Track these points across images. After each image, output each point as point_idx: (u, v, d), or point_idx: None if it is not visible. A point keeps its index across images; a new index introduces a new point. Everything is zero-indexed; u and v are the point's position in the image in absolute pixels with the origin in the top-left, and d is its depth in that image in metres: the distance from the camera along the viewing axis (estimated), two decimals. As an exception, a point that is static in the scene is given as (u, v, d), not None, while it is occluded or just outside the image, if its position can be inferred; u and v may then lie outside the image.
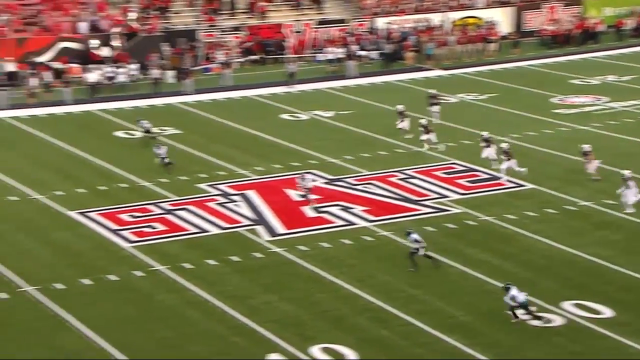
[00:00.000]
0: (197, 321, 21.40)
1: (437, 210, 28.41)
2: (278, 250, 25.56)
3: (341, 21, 51.06)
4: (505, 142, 31.93)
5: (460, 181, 30.82)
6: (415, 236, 24.14)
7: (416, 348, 20.39)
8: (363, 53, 48.23)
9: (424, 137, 33.67)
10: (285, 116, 39.39)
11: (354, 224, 27.36)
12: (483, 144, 32.02)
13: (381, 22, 51.46)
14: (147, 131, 33.76)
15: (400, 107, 35.80)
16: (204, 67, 46.03)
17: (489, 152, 31.81)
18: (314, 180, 28.19)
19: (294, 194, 29.41)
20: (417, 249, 23.99)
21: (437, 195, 29.63)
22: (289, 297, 22.68)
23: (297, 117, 39.32)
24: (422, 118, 34.60)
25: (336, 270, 24.12)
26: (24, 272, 23.48)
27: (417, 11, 52.88)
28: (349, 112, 39.39)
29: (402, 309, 21.94)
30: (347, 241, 26.00)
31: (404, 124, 35.01)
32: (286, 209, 28.19)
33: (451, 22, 52.59)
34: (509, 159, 30.55)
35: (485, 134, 32.49)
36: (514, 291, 21.14)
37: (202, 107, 40.53)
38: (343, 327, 21.21)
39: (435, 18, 52.43)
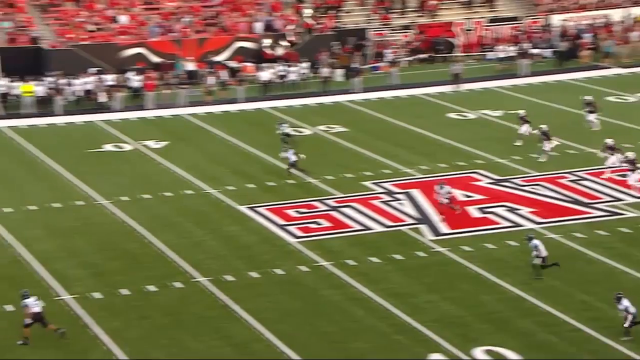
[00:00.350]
0: (360, 318, 21.65)
1: (610, 214, 27.34)
2: (441, 250, 25.41)
3: (514, 19, 49.97)
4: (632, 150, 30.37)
5: (638, 184, 29.46)
6: (536, 242, 23.36)
7: (585, 355, 19.79)
8: (536, 51, 47.05)
9: (545, 145, 32.45)
10: (452, 115, 39.04)
11: (520, 225, 26.79)
12: (607, 152, 30.59)
13: (556, 19, 49.94)
14: (287, 135, 34.00)
15: (521, 112, 34.91)
16: (372, 66, 46.37)
17: (613, 160, 30.33)
18: (450, 192, 27.70)
19: (458, 194, 29.14)
20: (541, 258, 23.20)
21: (610, 198, 28.50)
22: (451, 297, 22.53)
23: (465, 116, 38.89)
24: (543, 124, 33.34)
25: (501, 272, 23.73)
26: (197, 263, 24.52)
27: (597, 7, 50.91)
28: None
29: (570, 314, 21.33)
30: (512, 243, 25.50)
31: (525, 129, 33.95)
32: (450, 208, 27.94)
33: (633, 18, 50.27)
34: (634, 170, 28.97)
35: (609, 141, 31.02)
36: (626, 302, 20.10)
37: (369, 105, 40.87)
38: (507, 329, 20.86)
39: (616, 14, 50.28)
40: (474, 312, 21.76)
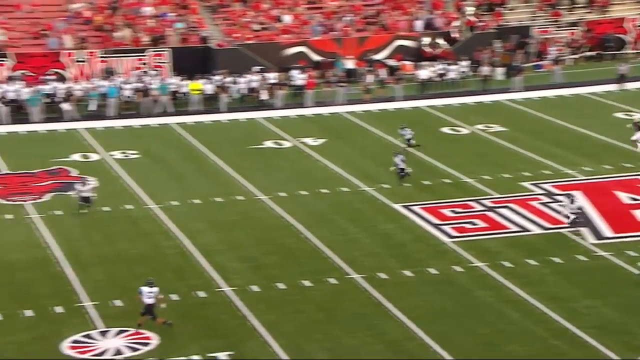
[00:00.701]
0: (515, 320, 21.23)
1: None
2: (604, 254, 24.51)
3: (697, 12, 47.43)
4: None
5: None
6: None
7: None
8: None
9: None
10: (619, 115, 37.51)
11: (691, 231, 25.47)
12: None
13: None
14: (408, 141, 33.24)
15: (637, 118, 32.73)
16: (535, 64, 45.23)
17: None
18: (579, 209, 26.37)
19: (624, 197, 27.97)
20: None
21: None
22: (614, 303, 21.73)
23: (632, 116, 37.22)
24: None
25: (668, 279, 22.65)
26: (352, 260, 24.74)
27: None
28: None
29: None
30: (683, 249, 24.29)
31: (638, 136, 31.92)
32: (615, 211, 26.89)
33: None
34: None
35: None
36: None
37: (530, 104, 39.89)
38: (674, 340, 19.91)
39: None
40: (638, 319, 20.83)
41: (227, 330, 21.07)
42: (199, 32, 44.28)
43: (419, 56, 44.69)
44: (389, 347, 20.33)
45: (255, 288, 23.17)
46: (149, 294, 20.82)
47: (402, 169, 30.04)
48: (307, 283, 23.45)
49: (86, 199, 27.93)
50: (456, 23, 46.33)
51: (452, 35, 45.66)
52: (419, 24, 46.22)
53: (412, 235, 26.36)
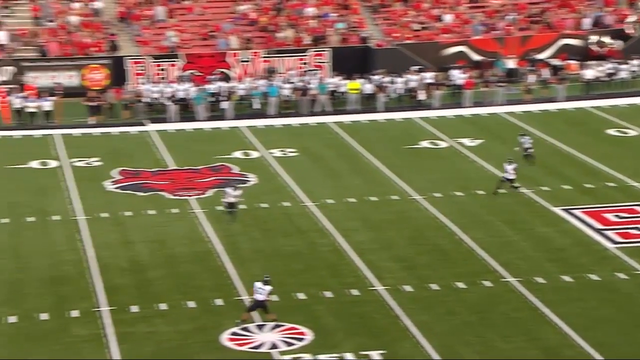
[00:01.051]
0: (683, 332, 20.17)
1: None
2: None
3: None
4: None
5: None
6: None
7: None
8: None
9: None
10: None
11: None
12: None
13: None
14: (526, 149, 31.64)
15: None
16: None
17: None
18: None
19: None
20: None
21: None
22: None
23: None
24: None
25: None
26: (507, 263, 24.20)
27: None
28: None
29: None
30: None
31: None
32: None
33: None
34: None
35: None
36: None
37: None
38: None
39: None
40: None
41: (379, 329, 21.07)
42: (359, 32, 44.58)
43: (585, 55, 43.16)
44: (546, 354, 19.77)
45: (408, 288, 23.07)
46: (260, 290, 21.06)
47: (510, 180, 28.77)
48: (460, 285, 23.13)
49: (231, 204, 27.67)
50: (630, 19, 44.33)
51: (626, 31, 43.72)
52: (587, 22, 44.60)
53: (572, 240, 25.51)
